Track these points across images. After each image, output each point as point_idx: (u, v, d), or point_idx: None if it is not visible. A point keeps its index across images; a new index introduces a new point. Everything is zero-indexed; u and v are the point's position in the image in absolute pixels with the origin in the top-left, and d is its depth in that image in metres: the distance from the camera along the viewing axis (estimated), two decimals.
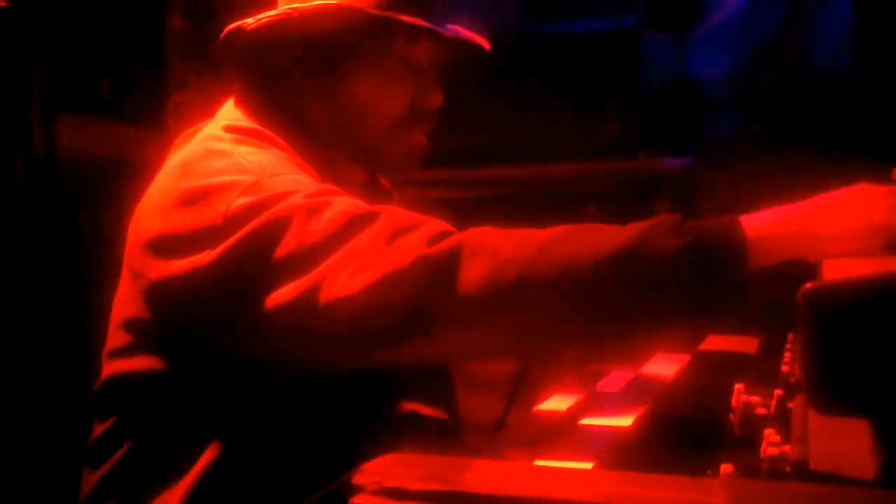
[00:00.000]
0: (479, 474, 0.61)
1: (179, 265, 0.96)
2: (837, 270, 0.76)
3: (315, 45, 1.09)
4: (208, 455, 1.00)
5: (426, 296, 0.88)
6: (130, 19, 2.34)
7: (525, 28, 2.88)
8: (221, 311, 0.96)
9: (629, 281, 0.85)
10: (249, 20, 1.09)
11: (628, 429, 0.99)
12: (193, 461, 1.00)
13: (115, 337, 1.07)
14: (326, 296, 0.90)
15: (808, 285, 0.64)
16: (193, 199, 0.98)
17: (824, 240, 0.88)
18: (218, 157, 1.02)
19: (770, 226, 0.88)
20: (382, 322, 0.89)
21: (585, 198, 2.42)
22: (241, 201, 0.95)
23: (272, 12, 1.09)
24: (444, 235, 0.92)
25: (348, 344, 0.92)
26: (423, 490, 0.59)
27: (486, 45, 1.16)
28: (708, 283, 0.85)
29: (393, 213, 0.95)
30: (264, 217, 0.93)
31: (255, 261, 0.93)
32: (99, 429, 1.08)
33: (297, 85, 1.11)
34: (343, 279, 0.89)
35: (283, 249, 0.92)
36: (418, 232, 0.92)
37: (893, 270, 0.68)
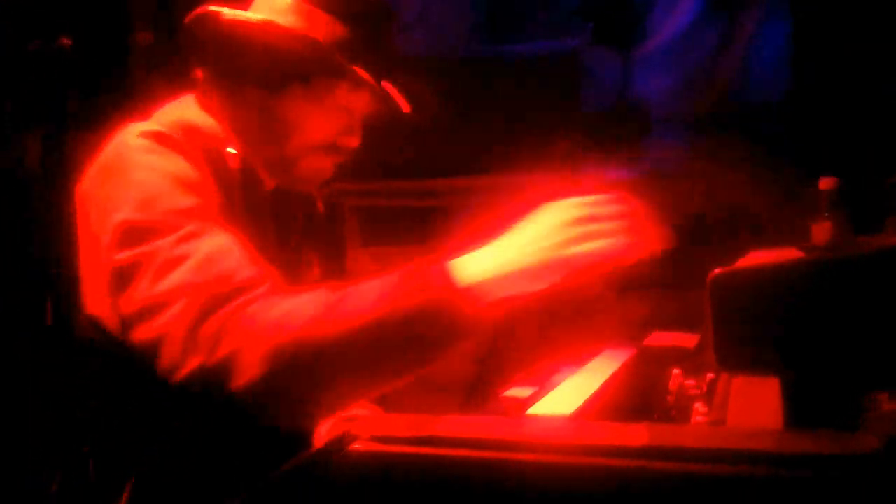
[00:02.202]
0: (448, 424, 0.75)
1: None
2: (748, 261, 0.91)
3: (274, 59, 1.19)
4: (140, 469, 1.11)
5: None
6: (97, 34, 2.41)
7: (475, 50, 3.00)
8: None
9: (380, 344, 0.95)
10: (226, 11, 1.17)
11: (571, 415, 1.10)
12: (127, 477, 1.11)
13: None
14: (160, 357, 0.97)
15: (717, 271, 0.80)
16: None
17: (528, 277, 0.96)
18: (119, 173, 1.09)
19: (482, 271, 0.96)
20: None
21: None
22: (124, 218, 1.03)
23: (251, 16, 1.18)
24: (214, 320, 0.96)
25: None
26: (405, 436, 0.72)
27: (407, 110, 1.27)
28: (438, 334, 0.95)
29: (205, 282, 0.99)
30: (137, 251, 1.01)
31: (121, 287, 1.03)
32: None
33: (242, 87, 1.21)
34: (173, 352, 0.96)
35: (137, 290, 1.01)
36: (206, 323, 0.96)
37: (782, 261, 0.83)
